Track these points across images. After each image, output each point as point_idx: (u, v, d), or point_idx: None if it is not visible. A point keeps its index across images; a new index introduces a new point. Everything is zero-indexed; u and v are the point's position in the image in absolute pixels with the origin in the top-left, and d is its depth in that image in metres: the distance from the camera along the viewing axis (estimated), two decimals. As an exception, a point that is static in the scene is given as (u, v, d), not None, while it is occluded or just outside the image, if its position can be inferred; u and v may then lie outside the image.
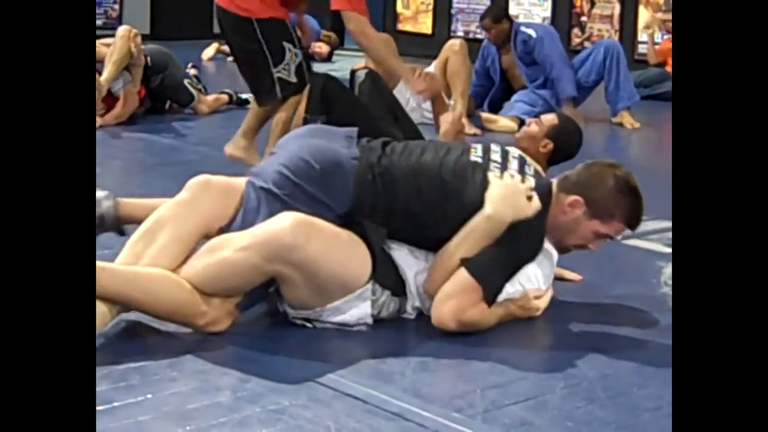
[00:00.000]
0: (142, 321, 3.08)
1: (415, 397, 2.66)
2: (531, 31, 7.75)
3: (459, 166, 3.21)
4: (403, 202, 3.17)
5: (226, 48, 11.55)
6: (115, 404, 2.56)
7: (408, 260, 3.20)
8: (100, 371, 2.72)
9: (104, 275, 2.86)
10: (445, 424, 2.52)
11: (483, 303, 3.10)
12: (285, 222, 2.98)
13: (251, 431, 2.47)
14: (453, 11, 12.02)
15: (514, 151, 3.37)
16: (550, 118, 4.41)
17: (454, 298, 3.07)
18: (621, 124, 7.68)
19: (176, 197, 3.18)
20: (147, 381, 2.71)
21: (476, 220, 3.11)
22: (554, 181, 3.32)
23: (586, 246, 3.31)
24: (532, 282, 3.25)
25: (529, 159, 3.38)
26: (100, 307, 2.88)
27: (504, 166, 3.24)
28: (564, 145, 4.35)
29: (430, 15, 12.25)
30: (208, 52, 11.44)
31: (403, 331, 3.17)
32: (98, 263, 2.84)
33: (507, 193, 3.13)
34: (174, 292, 2.97)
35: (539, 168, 3.38)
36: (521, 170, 3.25)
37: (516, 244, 3.14)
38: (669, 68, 9.34)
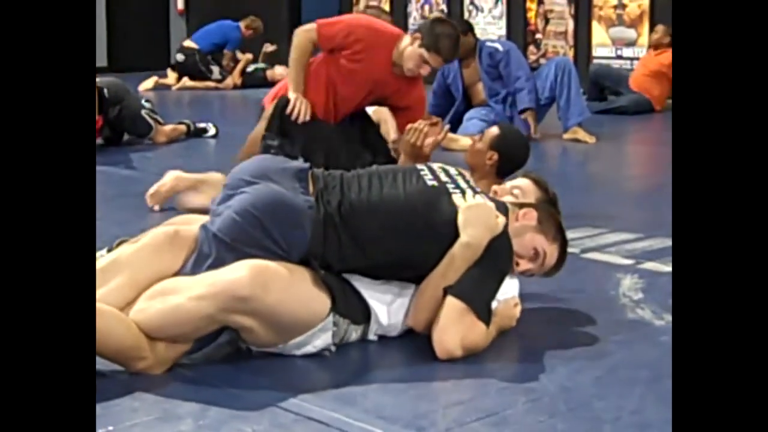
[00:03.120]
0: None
1: (378, 418, 2.66)
2: (497, 45, 7.82)
3: (424, 194, 3.20)
4: (376, 245, 3.14)
5: (165, 81, 11.72)
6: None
7: (370, 286, 3.19)
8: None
9: None
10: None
11: (480, 323, 3.09)
12: (241, 272, 2.92)
13: (214, 459, 2.47)
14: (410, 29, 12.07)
15: (451, 168, 3.39)
16: (491, 131, 4.46)
17: (452, 327, 3.05)
18: (576, 140, 7.74)
19: (140, 242, 3.13)
20: (107, 413, 2.69)
21: (456, 249, 3.11)
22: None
23: (516, 263, 3.31)
24: (506, 292, 3.29)
25: (467, 174, 3.41)
26: None
27: (456, 184, 3.26)
28: (509, 154, 4.39)
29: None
30: (147, 84, 11.53)
31: (365, 354, 3.17)
32: None
33: (479, 216, 3.15)
34: (120, 333, 2.90)
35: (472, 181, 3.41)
36: (472, 187, 3.28)
37: (495, 261, 3.15)
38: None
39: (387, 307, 3.20)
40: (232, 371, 2.99)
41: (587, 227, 4.77)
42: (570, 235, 4.54)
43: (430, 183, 3.24)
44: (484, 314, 3.10)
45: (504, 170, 4.41)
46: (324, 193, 3.17)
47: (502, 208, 3.28)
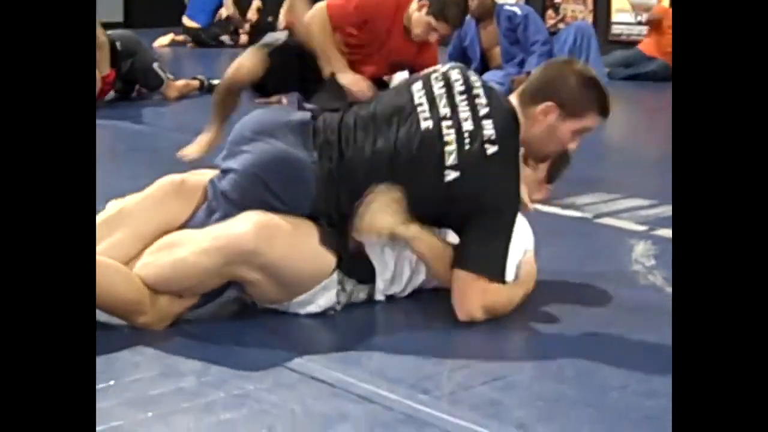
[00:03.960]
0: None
1: (382, 380, 2.62)
2: (516, 9, 7.72)
3: (414, 144, 3.06)
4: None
5: (180, 38, 11.58)
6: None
7: (373, 244, 3.14)
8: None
9: None
10: (412, 406, 2.49)
11: (493, 285, 3.00)
12: (246, 225, 2.89)
13: (215, 416, 2.43)
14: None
15: (456, 79, 3.19)
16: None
17: (467, 295, 2.98)
18: None
19: (146, 191, 3.09)
20: (109, 367, 2.66)
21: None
22: (514, 99, 3.17)
23: (566, 150, 3.26)
24: (521, 246, 3.25)
25: (481, 86, 3.19)
26: None
27: (454, 118, 3.08)
28: None
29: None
30: (162, 40, 11.40)
31: (371, 316, 3.13)
32: None
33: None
34: (121, 286, 2.87)
35: (495, 90, 3.22)
36: (475, 119, 3.07)
37: (499, 214, 3.04)
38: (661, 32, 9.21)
39: (392, 263, 3.16)
40: (237, 329, 2.96)
41: (601, 192, 4.71)
42: (583, 200, 4.54)
43: (424, 126, 3.08)
44: (497, 274, 3.02)
45: None
46: (325, 148, 3.10)
47: (510, 116, 3.11)
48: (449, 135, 3.06)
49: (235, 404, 2.48)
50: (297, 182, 3.04)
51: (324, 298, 3.05)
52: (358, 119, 3.17)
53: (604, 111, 3.18)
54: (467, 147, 3.03)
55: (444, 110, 3.10)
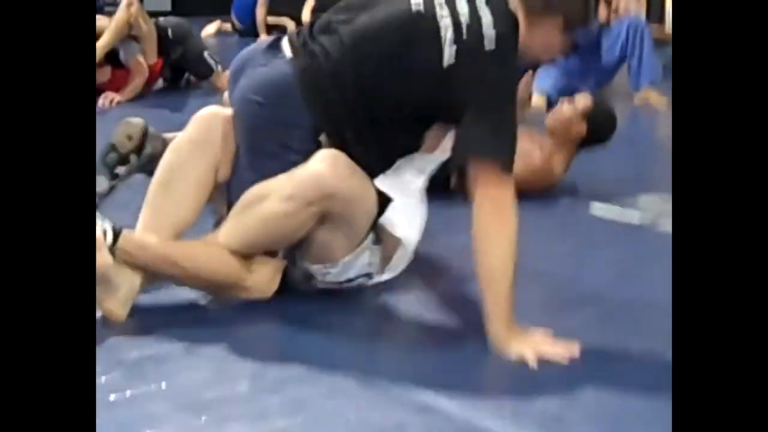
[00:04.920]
0: (156, 305, 3.00)
1: (440, 389, 2.54)
2: None
3: (407, 23, 2.89)
4: (361, 98, 2.91)
5: (227, 26, 11.47)
6: (128, 393, 2.46)
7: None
8: (113, 358, 2.63)
9: (146, 254, 2.86)
10: (473, 418, 2.41)
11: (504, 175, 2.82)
12: (323, 164, 2.83)
13: (270, 423, 2.36)
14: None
15: None
16: (585, 101, 4.29)
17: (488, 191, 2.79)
18: (647, 103, 7.47)
19: (184, 135, 3.05)
20: (161, 369, 2.60)
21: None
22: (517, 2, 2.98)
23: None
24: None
25: None
26: (134, 279, 2.85)
27: (452, 7, 2.90)
28: (599, 129, 4.23)
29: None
30: (209, 29, 11.28)
31: (423, 323, 3.05)
32: (143, 239, 2.87)
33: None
34: (215, 265, 2.91)
35: None
36: (473, 14, 2.88)
37: (502, 109, 2.88)
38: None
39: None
40: (291, 331, 2.88)
41: (658, 193, 4.61)
42: (645, 199, 4.43)
43: (415, 7, 2.91)
44: (507, 163, 2.83)
45: (586, 143, 4.26)
46: (300, 49, 2.96)
47: (512, 22, 2.92)
48: (444, 20, 2.89)
49: (290, 411, 2.41)
50: (280, 88, 2.93)
51: (363, 257, 3.02)
52: (334, 11, 3.04)
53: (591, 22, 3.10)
54: (465, 38, 2.87)
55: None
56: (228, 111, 3.05)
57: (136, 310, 2.91)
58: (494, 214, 2.79)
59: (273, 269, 2.99)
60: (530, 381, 2.62)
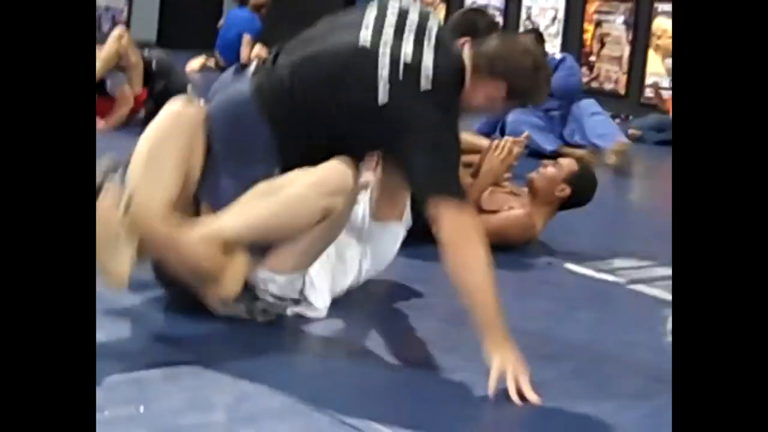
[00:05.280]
0: (141, 326, 3.03)
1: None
2: (556, 52, 7.67)
3: (349, 54, 3.02)
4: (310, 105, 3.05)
5: (212, 63, 11.51)
6: (106, 413, 2.46)
7: None
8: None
9: (152, 230, 2.91)
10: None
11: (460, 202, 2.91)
12: (346, 162, 2.99)
13: (245, 454, 2.38)
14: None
15: (411, 17, 3.10)
16: (571, 164, 4.35)
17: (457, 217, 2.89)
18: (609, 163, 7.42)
19: (156, 123, 3.12)
20: (141, 392, 2.60)
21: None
22: (466, 53, 3.11)
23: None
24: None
25: (437, 30, 3.10)
26: (133, 249, 2.88)
27: (395, 46, 3.00)
28: (580, 194, 4.29)
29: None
30: (194, 63, 11.30)
31: (397, 360, 3.08)
32: (153, 215, 2.91)
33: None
34: (204, 259, 2.95)
35: (451, 40, 3.19)
36: (416, 55, 2.98)
37: (441, 146, 2.97)
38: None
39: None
40: (272, 364, 2.89)
41: (634, 259, 4.67)
42: (618, 264, 4.48)
43: (362, 42, 3.02)
44: (461, 195, 2.94)
45: (567, 205, 4.32)
46: (260, 71, 3.13)
47: (457, 67, 3.07)
48: (384, 58, 2.99)
49: (265, 443, 2.43)
50: (236, 103, 3.10)
51: (298, 282, 3.16)
52: (297, 39, 3.18)
53: (540, 101, 3.29)
54: (400, 77, 2.96)
55: (386, 37, 3.04)
56: (194, 106, 3.15)
57: (120, 333, 2.94)
58: (464, 238, 2.86)
59: (241, 269, 3.02)
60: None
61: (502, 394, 2.74)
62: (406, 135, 2.94)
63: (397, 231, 3.54)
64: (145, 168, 3.00)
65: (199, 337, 3.05)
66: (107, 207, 2.79)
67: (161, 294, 3.27)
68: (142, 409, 2.51)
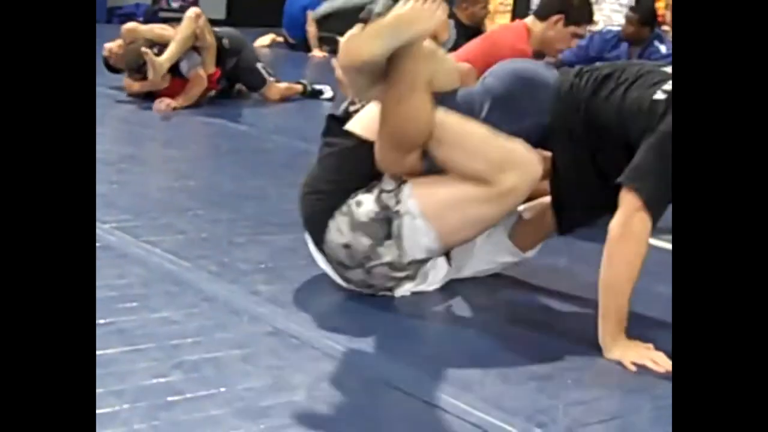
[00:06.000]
0: (218, 312, 3.04)
1: (496, 409, 2.55)
2: (663, 48, 7.66)
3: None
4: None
5: (280, 39, 11.48)
6: (187, 396, 2.48)
7: None
8: (173, 361, 2.66)
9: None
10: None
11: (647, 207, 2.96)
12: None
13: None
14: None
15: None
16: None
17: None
18: None
19: None
20: (220, 373, 2.62)
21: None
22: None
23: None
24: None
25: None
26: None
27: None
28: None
29: (508, 17, 12.07)
30: (263, 40, 11.29)
31: (484, 342, 3.06)
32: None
33: None
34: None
35: None
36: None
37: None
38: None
39: None
40: (348, 343, 2.89)
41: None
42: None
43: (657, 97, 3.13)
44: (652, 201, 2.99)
45: None
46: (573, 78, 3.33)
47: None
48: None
49: (346, 422, 2.43)
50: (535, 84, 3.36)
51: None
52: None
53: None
54: None
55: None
56: None
57: (198, 316, 2.96)
58: (626, 234, 2.94)
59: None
60: (584, 405, 2.63)
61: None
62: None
63: (515, 261, 3.61)
64: None
65: (278, 315, 3.06)
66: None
67: (245, 278, 3.31)
68: (223, 389, 2.53)
